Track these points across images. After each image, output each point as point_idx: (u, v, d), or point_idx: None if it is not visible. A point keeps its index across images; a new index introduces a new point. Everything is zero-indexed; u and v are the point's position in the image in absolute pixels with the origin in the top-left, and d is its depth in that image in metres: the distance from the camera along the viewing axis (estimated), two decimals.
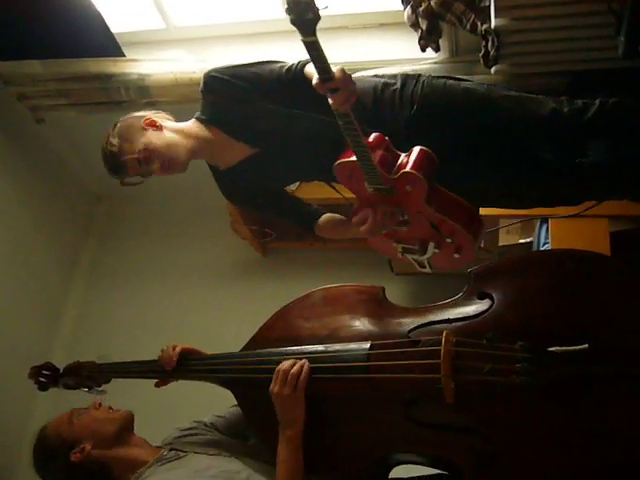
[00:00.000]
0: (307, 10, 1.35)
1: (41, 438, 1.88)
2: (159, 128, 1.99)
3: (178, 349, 1.95)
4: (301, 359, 1.74)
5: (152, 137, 1.96)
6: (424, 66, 2.54)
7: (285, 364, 1.73)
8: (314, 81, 1.58)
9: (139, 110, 2.86)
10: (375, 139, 1.81)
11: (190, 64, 2.81)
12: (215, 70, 2.02)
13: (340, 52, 2.71)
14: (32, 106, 3.11)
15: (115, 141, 1.96)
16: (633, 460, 1.50)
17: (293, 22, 1.37)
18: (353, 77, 2.35)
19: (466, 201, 1.84)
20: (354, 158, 1.75)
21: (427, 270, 2.01)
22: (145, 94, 2.89)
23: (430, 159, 1.79)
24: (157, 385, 2.00)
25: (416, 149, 1.80)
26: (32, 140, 3.53)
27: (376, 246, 2.08)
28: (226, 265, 3.71)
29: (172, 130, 2.01)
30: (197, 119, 2.06)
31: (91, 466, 1.82)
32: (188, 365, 1.96)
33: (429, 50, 2.46)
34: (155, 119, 2.00)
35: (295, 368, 1.71)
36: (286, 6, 1.35)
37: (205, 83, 2.02)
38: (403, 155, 1.81)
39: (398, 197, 1.81)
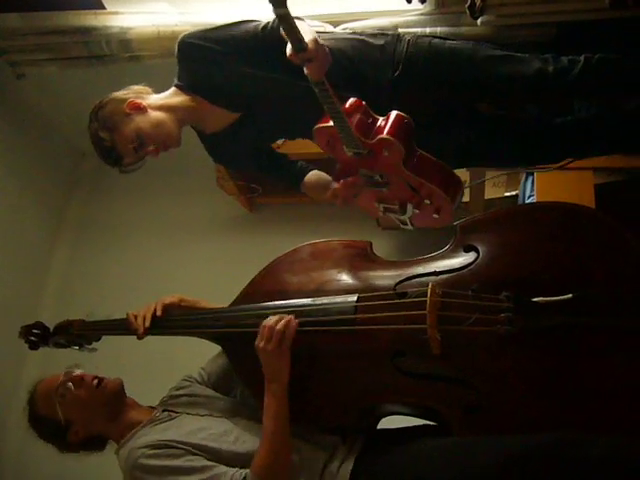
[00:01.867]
0: None
1: (34, 416, 1.89)
2: (143, 110, 1.97)
3: (159, 308, 1.95)
4: (289, 313, 1.76)
5: (140, 122, 1.95)
6: (410, 18, 2.50)
7: (271, 320, 1.74)
8: (287, 52, 1.59)
9: (121, 64, 2.86)
10: (351, 105, 1.80)
11: (172, 17, 2.75)
12: (189, 35, 1.99)
13: (324, 3, 2.66)
14: (12, 61, 3.05)
15: (105, 135, 1.95)
16: (615, 409, 1.53)
17: None
18: (333, 31, 2.35)
19: (444, 163, 1.85)
20: (332, 123, 1.75)
21: (409, 227, 2.04)
22: (127, 48, 2.83)
23: (407, 124, 1.79)
24: (138, 338, 1.99)
25: (393, 114, 1.79)
26: (13, 96, 3.46)
27: (359, 205, 2.09)
28: (213, 221, 3.69)
29: (156, 107, 2.00)
30: (176, 86, 2.04)
31: (87, 441, 1.88)
32: (170, 321, 1.97)
33: (415, 1, 2.42)
34: (137, 101, 1.98)
35: (281, 324, 1.72)
36: None
37: (180, 50, 2.00)
38: (381, 119, 1.81)
39: (376, 160, 1.81)
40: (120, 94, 2.00)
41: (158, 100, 2.02)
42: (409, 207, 1.91)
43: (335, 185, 1.90)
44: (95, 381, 1.86)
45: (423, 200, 1.86)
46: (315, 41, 1.60)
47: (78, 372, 1.89)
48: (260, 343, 1.72)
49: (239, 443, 1.71)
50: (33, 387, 1.93)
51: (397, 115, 1.79)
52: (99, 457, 1.93)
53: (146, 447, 1.69)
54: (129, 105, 1.96)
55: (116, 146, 1.95)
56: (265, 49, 1.92)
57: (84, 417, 1.85)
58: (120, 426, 1.84)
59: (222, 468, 1.64)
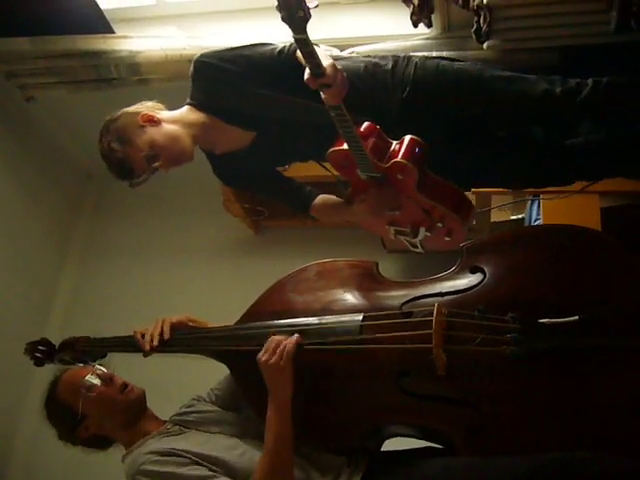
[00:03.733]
0: (297, 8, 1.35)
1: (51, 399, 1.90)
2: (157, 123, 1.96)
3: (167, 326, 1.94)
4: (294, 332, 1.75)
5: (154, 134, 1.94)
6: (416, 42, 2.53)
7: (275, 336, 1.74)
8: (305, 76, 1.59)
9: (129, 88, 2.89)
10: (366, 128, 1.82)
11: (180, 40, 2.79)
12: (204, 55, 1.99)
13: (332, 28, 2.69)
14: (21, 84, 3.09)
15: (117, 146, 1.92)
16: (622, 430, 1.52)
17: (283, 19, 1.37)
18: (343, 54, 2.36)
19: (456, 186, 1.86)
20: (346, 146, 1.77)
21: (419, 250, 2.04)
22: (135, 71, 2.87)
23: (421, 147, 1.81)
24: (145, 355, 1.98)
25: (407, 138, 1.81)
26: (21, 119, 3.51)
27: (369, 227, 2.10)
28: (219, 243, 3.70)
29: (170, 121, 1.99)
30: (189, 104, 2.04)
31: (94, 440, 1.88)
32: (175, 339, 1.95)
33: (421, 26, 2.45)
34: (151, 114, 1.97)
35: (285, 340, 1.72)
36: (277, 3, 1.35)
37: (195, 68, 2.00)
38: (395, 143, 1.83)
39: (390, 184, 1.83)
40: (133, 108, 1.99)
41: (172, 115, 2.02)
42: (421, 230, 1.92)
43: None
44: (124, 384, 1.88)
45: (435, 223, 1.87)
46: (333, 66, 1.60)
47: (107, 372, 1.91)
48: (263, 356, 1.71)
49: (245, 458, 1.70)
50: (60, 373, 1.94)
51: (411, 139, 1.81)
52: (105, 461, 1.93)
53: (152, 453, 1.69)
54: (142, 117, 1.95)
55: (128, 158, 1.92)
56: (281, 72, 1.92)
57: (101, 416, 1.85)
58: (131, 434, 1.84)
59: (224, 478, 1.63)
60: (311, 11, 1.37)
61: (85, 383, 1.85)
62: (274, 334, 1.75)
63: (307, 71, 1.57)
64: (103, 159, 1.97)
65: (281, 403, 1.68)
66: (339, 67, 1.63)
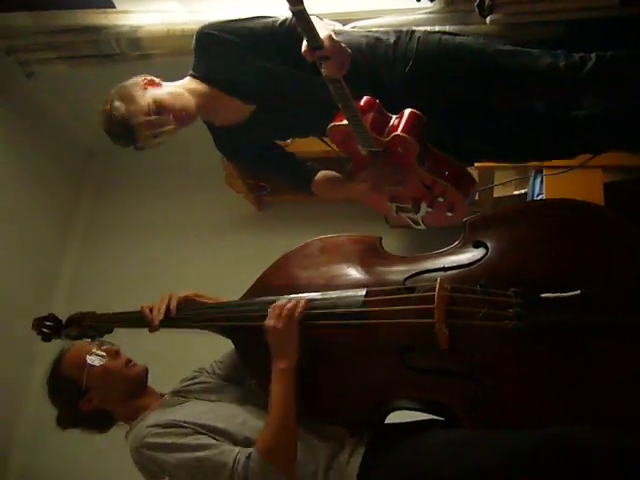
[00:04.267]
0: None
1: (55, 371, 1.92)
2: (159, 85, 1.97)
3: (174, 301, 1.96)
4: None
5: (156, 92, 1.93)
6: (419, 16, 2.51)
7: (281, 301, 1.77)
8: (303, 48, 1.58)
9: (131, 63, 2.87)
10: (366, 102, 1.82)
11: (182, 15, 2.77)
12: (207, 26, 2.00)
13: (334, 2, 2.67)
14: (21, 60, 3.07)
15: (119, 104, 1.90)
16: (623, 405, 1.53)
17: None
18: (345, 29, 2.34)
19: (457, 161, 1.85)
20: (346, 122, 1.76)
21: (421, 227, 2.04)
22: (137, 46, 2.85)
23: (420, 121, 1.80)
24: (151, 331, 2.00)
25: (407, 111, 1.81)
26: (22, 95, 3.49)
27: (371, 204, 2.09)
28: (222, 219, 3.70)
29: (172, 85, 2.00)
30: (191, 76, 2.04)
31: (97, 414, 1.89)
32: (181, 315, 1.97)
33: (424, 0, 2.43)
34: (152, 78, 1.97)
35: (290, 303, 1.75)
36: None
37: (197, 40, 2.01)
38: (394, 117, 1.83)
39: (391, 159, 1.82)
40: (134, 78, 1.99)
41: (174, 84, 2.01)
42: (423, 205, 1.92)
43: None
44: (127, 360, 1.91)
45: (437, 198, 1.87)
46: (330, 38, 1.59)
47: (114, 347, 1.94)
48: (270, 321, 1.73)
49: (246, 427, 1.72)
50: (65, 348, 1.96)
51: (411, 112, 1.80)
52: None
53: (154, 426, 1.71)
54: (144, 81, 1.95)
55: (131, 115, 1.89)
56: (282, 44, 1.92)
57: (105, 388, 1.87)
58: (133, 409, 1.86)
59: (228, 446, 1.65)
60: None
61: (90, 357, 1.87)
62: None
63: (305, 43, 1.56)
64: (105, 122, 1.94)
65: (287, 367, 1.70)
66: (338, 39, 1.62)
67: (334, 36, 1.61)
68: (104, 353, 1.89)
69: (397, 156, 1.81)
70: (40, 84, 3.38)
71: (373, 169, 1.87)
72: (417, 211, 1.94)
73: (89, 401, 1.87)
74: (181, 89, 1.98)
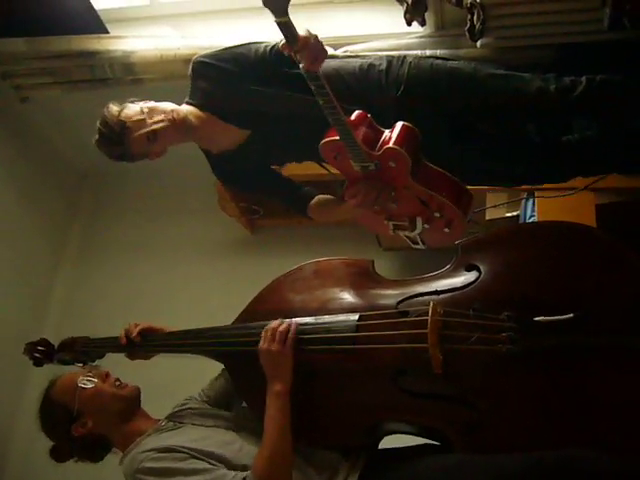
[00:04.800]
0: None
1: (47, 400, 1.91)
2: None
3: (139, 327, 1.99)
4: None
5: (151, 103, 1.98)
6: (410, 40, 2.53)
7: (273, 323, 1.77)
8: (280, 45, 1.59)
9: (124, 87, 2.89)
10: (357, 117, 1.82)
11: (174, 40, 2.79)
12: (202, 55, 2.05)
13: (326, 26, 2.69)
14: (16, 85, 3.08)
15: (114, 107, 1.95)
16: (616, 430, 1.52)
17: (264, 3, 1.38)
18: (337, 53, 2.36)
19: (453, 176, 1.85)
20: (338, 137, 1.76)
21: (420, 247, 2.03)
22: (130, 71, 2.87)
23: (413, 134, 1.80)
24: (129, 358, 2.05)
25: (398, 124, 1.80)
26: (17, 119, 3.50)
27: (368, 224, 2.09)
28: (214, 242, 3.70)
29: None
30: (187, 104, 2.06)
31: (91, 439, 1.88)
32: (172, 339, 1.99)
33: (415, 24, 2.45)
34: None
35: (283, 326, 1.75)
36: None
37: (193, 69, 2.05)
38: (387, 131, 1.82)
39: (384, 174, 1.82)
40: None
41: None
42: (418, 222, 1.91)
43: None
44: (116, 380, 1.91)
45: (433, 214, 1.86)
46: (307, 31, 1.59)
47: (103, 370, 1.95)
48: (264, 345, 1.74)
49: (243, 453, 1.71)
50: (53, 379, 1.94)
51: (403, 125, 1.80)
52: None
53: (150, 451, 1.70)
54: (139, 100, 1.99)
55: (124, 117, 1.92)
56: (274, 68, 1.97)
57: (98, 410, 1.86)
58: (127, 433, 1.85)
59: (224, 470, 1.64)
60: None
61: (81, 382, 1.87)
62: None
63: (282, 40, 1.56)
64: (99, 127, 1.96)
65: (282, 389, 1.70)
66: (314, 34, 1.61)
67: (310, 32, 1.61)
68: (94, 377, 1.89)
69: (389, 170, 1.80)
70: (35, 108, 3.39)
71: (365, 185, 1.85)
72: (413, 228, 1.93)
73: (82, 425, 1.86)
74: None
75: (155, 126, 1.94)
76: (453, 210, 1.83)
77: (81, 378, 1.88)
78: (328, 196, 2.14)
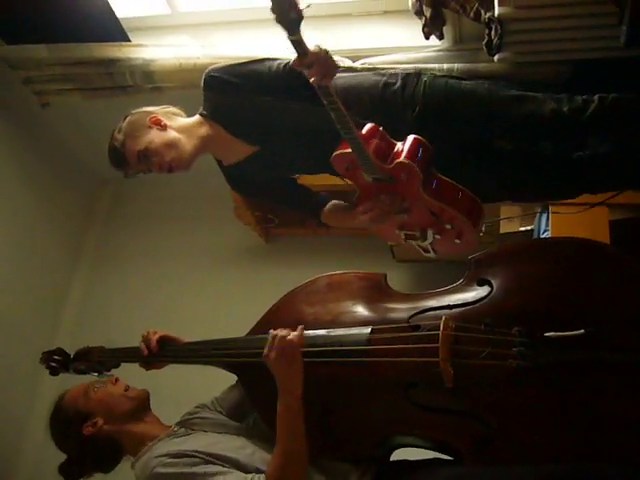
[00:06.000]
0: (290, 9, 1.38)
1: (58, 406, 1.94)
2: (163, 127, 2.03)
3: (157, 336, 2.01)
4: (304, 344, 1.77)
5: (154, 136, 2.01)
6: (428, 54, 2.54)
7: (281, 331, 1.77)
8: (292, 61, 1.61)
9: (144, 95, 2.92)
10: (368, 130, 1.83)
11: (194, 50, 2.82)
12: (214, 69, 2.06)
13: (344, 39, 2.72)
14: (37, 90, 3.12)
15: (120, 136, 2.02)
16: (629, 443, 1.52)
17: (277, 21, 1.40)
18: (355, 65, 2.38)
19: (465, 189, 1.86)
20: (349, 150, 1.77)
21: (432, 255, 2.04)
22: (150, 79, 2.90)
23: (424, 147, 1.81)
24: (144, 368, 2.07)
25: (410, 138, 1.82)
26: (37, 124, 3.55)
27: (380, 233, 2.10)
28: (230, 251, 3.73)
29: (177, 129, 2.05)
30: (201, 115, 2.09)
31: (102, 440, 1.89)
32: (187, 350, 2.02)
33: (433, 38, 2.46)
34: (161, 118, 2.04)
35: (285, 331, 1.76)
36: (270, 5, 1.38)
37: (205, 81, 2.07)
38: (399, 144, 1.83)
39: (396, 186, 1.83)
40: (151, 108, 2.09)
41: (181, 123, 2.08)
42: (429, 233, 1.92)
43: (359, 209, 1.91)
44: (126, 386, 1.95)
45: (444, 225, 1.87)
46: (317, 47, 1.61)
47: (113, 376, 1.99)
48: (272, 354, 1.74)
49: (256, 457, 1.73)
50: (63, 392, 1.98)
51: (414, 139, 1.81)
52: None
53: (162, 456, 1.72)
54: (151, 119, 2.03)
55: (124, 150, 2.01)
56: (287, 85, 1.97)
57: (109, 410, 1.89)
58: (138, 436, 1.86)
59: (237, 472, 1.66)
60: (304, 12, 1.40)
61: (93, 385, 1.92)
62: None
63: (294, 57, 1.58)
64: (108, 146, 2.06)
65: (292, 400, 1.70)
66: (324, 49, 1.63)
67: (320, 47, 1.63)
68: (106, 382, 1.94)
69: (401, 183, 1.81)
70: (55, 114, 3.43)
71: (378, 198, 1.87)
72: (424, 239, 1.95)
73: (93, 425, 1.87)
74: (184, 137, 2.04)
75: (148, 172, 2.05)
76: (464, 222, 1.84)
77: (91, 382, 1.94)
78: (341, 202, 2.16)
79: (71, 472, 1.92)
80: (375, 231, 2.11)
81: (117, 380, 1.96)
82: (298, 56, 1.56)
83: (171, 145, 2.01)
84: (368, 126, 1.84)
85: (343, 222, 2.15)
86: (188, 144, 2.03)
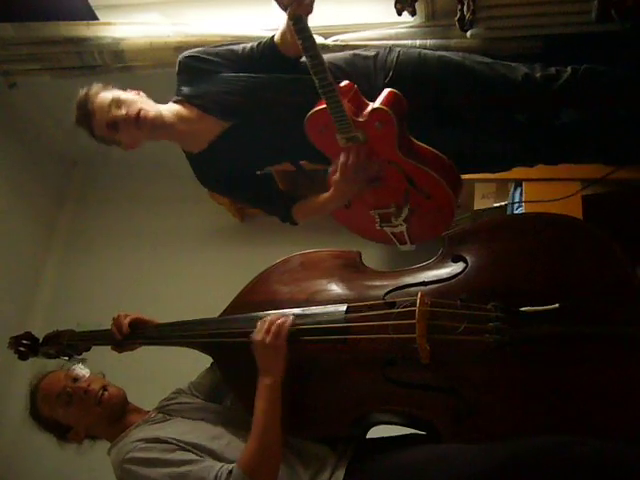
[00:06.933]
0: None
1: (35, 413, 1.91)
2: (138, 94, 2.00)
3: (128, 318, 2.00)
4: None
5: (125, 92, 1.98)
6: (400, 30, 2.53)
7: (271, 316, 1.77)
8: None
9: (114, 75, 2.87)
10: (345, 85, 1.80)
11: (165, 28, 2.77)
12: (188, 52, 2.06)
13: (316, 16, 2.68)
14: (4, 70, 3.05)
15: (92, 89, 1.97)
16: (604, 415, 1.55)
17: None
18: (326, 42, 2.35)
19: (442, 154, 1.84)
20: (324, 106, 1.74)
21: (408, 247, 2.03)
22: (119, 58, 2.85)
23: (399, 100, 1.77)
24: (116, 350, 2.05)
25: (385, 90, 1.79)
26: (5, 105, 3.48)
27: (353, 223, 2.07)
28: (204, 231, 3.70)
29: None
30: (173, 102, 2.05)
31: (85, 438, 1.92)
32: (161, 331, 2.01)
33: (405, 14, 2.44)
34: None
35: (281, 319, 1.75)
36: None
37: (179, 64, 2.05)
38: (372, 102, 1.80)
39: (370, 145, 1.79)
40: None
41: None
42: (405, 208, 1.89)
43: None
44: (100, 393, 1.87)
45: (421, 194, 1.83)
46: None
47: (83, 374, 1.91)
48: (258, 335, 1.74)
49: (231, 447, 1.72)
50: (35, 382, 1.94)
51: (389, 91, 1.78)
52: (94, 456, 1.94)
53: (139, 441, 1.72)
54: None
55: (94, 99, 1.95)
56: (261, 62, 1.97)
57: (85, 424, 1.88)
58: (119, 429, 1.86)
59: (210, 462, 1.65)
60: None
61: (61, 398, 1.86)
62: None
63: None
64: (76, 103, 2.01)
65: (273, 383, 1.70)
66: None
67: None
68: (73, 396, 1.87)
69: (375, 139, 1.77)
70: (23, 95, 3.36)
71: (347, 160, 1.81)
72: (399, 214, 1.91)
73: (76, 434, 1.90)
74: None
75: (114, 116, 1.93)
76: (442, 188, 1.80)
77: (58, 395, 1.87)
78: (309, 197, 2.10)
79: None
80: (347, 223, 2.08)
81: (86, 392, 1.86)
82: None
83: (142, 98, 1.98)
84: (345, 82, 1.81)
85: (314, 210, 2.08)
86: (160, 108, 2.00)
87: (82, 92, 1.99)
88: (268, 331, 1.73)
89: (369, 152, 1.81)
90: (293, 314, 1.80)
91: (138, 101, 1.96)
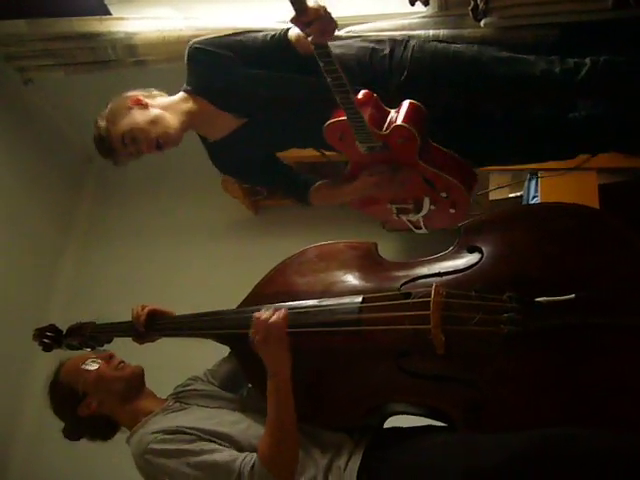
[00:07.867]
0: None
1: (54, 381, 1.94)
2: (145, 106, 2.00)
3: (146, 310, 2.01)
4: (295, 314, 1.77)
5: (137, 115, 1.97)
6: (413, 20, 2.51)
7: (264, 313, 1.76)
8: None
9: (127, 69, 2.89)
10: (364, 95, 1.81)
11: (177, 22, 2.78)
12: (198, 42, 2.03)
13: (329, 6, 2.68)
14: (19, 67, 3.08)
15: (102, 124, 1.99)
16: (620, 407, 1.53)
17: None
18: (340, 34, 2.35)
19: (457, 155, 1.85)
20: (344, 117, 1.75)
21: (422, 231, 2.03)
22: (132, 53, 2.87)
23: (420, 112, 1.80)
24: (137, 342, 2.07)
25: (405, 103, 1.81)
26: (21, 101, 3.51)
27: (370, 210, 2.09)
28: (219, 224, 3.72)
29: (160, 106, 2.01)
30: (184, 91, 2.06)
31: (97, 418, 1.90)
32: (178, 322, 2.02)
33: (418, 4, 2.43)
34: (141, 97, 2.01)
35: (274, 317, 1.74)
36: None
37: (189, 55, 2.03)
38: (393, 111, 1.82)
39: (391, 154, 1.81)
40: (132, 92, 2.04)
41: (164, 101, 2.04)
42: (425, 204, 1.90)
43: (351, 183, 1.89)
44: (119, 362, 1.93)
45: (439, 194, 1.85)
46: (316, 2, 1.57)
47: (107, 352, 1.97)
48: (256, 336, 1.74)
49: (250, 432, 1.73)
50: (62, 361, 1.97)
51: (410, 103, 1.80)
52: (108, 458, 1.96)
53: (158, 432, 1.72)
54: (131, 100, 2.00)
55: (109, 136, 1.98)
56: (273, 56, 1.95)
57: (101, 391, 1.89)
58: (133, 412, 1.87)
59: (233, 452, 1.66)
60: None
61: (84, 365, 1.90)
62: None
63: (292, 14, 1.55)
64: (94, 137, 2.03)
65: (280, 380, 1.70)
66: (322, 4, 1.60)
67: (319, 3, 1.59)
68: (98, 359, 1.92)
69: (397, 149, 1.79)
70: (38, 90, 3.40)
71: (374, 168, 1.85)
72: (419, 210, 1.93)
73: (87, 406, 1.88)
74: (168, 111, 2.01)
75: (136, 155, 2.03)
76: (459, 190, 1.83)
77: (85, 361, 1.92)
78: (327, 181, 2.14)
79: (71, 436, 1.96)
80: (363, 209, 2.09)
81: (112, 357, 1.94)
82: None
83: (155, 121, 1.97)
84: (363, 92, 1.81)
85: (331, 199, 2.13)
86: (173, 119, 1.99)
87: (94, 129, 2.01)
88: (256, 331, 1.73)
89: (390, 160, 1.83)
90: (308, 305, 1.80)
91: (150, 127, 1.97)
